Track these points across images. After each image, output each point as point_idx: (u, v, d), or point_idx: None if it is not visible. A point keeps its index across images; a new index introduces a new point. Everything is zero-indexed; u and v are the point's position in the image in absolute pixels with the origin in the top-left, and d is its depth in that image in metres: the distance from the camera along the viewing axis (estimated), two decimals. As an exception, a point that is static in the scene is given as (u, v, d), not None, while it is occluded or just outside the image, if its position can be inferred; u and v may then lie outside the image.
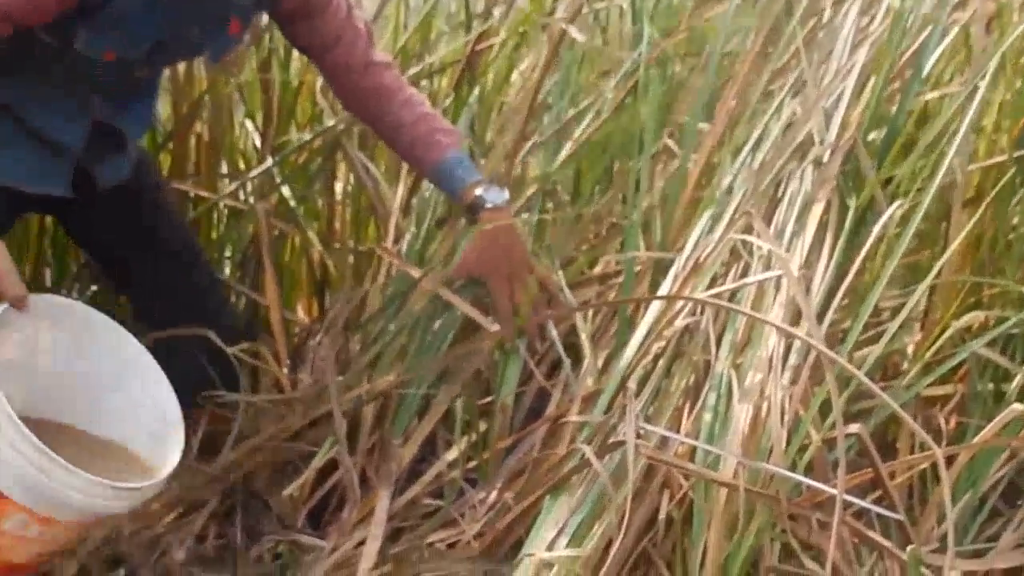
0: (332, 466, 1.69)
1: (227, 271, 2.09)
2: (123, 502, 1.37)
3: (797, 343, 1.45)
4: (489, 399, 1.71)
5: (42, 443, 1.30)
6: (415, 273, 1.80)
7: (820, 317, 1.46)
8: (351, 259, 2.09)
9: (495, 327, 1.70)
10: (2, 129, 1.54)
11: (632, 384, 1.51)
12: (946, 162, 1.50)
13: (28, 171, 1.57)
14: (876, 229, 1.51)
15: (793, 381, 1.42)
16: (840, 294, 1.49)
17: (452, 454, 1.68)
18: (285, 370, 1.83)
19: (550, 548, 1.37)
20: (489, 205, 1.68)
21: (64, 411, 1.48)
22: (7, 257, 1.38)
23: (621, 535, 1.32)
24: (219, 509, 1.71)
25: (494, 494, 1.60)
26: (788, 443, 1.36)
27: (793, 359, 1.45)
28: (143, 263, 1.78)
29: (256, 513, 1.71)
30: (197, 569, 1.62)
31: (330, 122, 2.07)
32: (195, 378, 1.74)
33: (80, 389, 1.48)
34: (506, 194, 1.72)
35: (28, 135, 1.55)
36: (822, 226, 1.58)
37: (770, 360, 1.43)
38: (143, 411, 1.48)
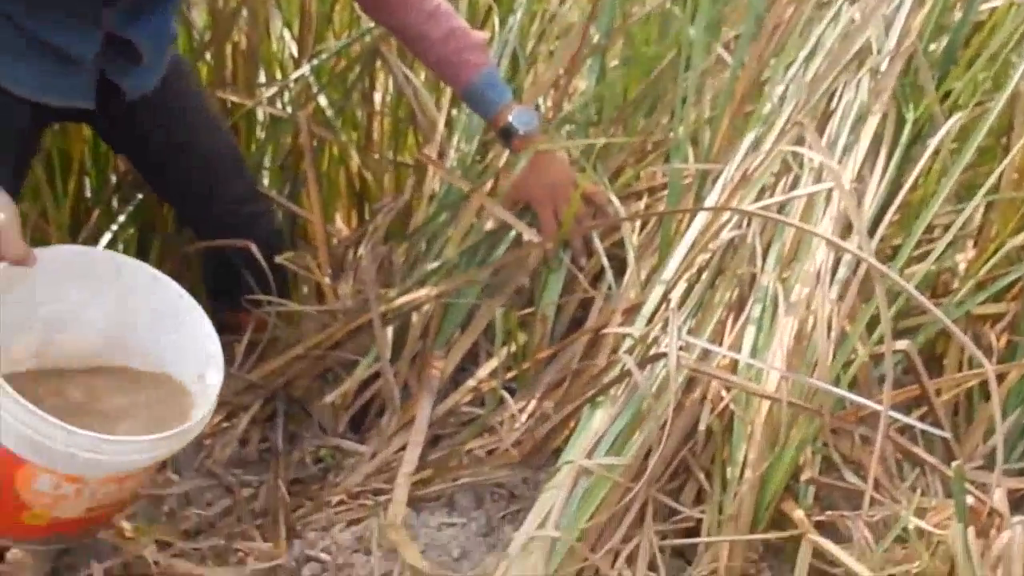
0: (374, 373, 1.70)
1: (266, 181, 2.08)
2: (144, 454, 1.28)
3: (846, 257, 1.42)
4: (531, 310, 1.71)
5: (66, 400, 1.27)
6: (462, 183, 1.78)
7: (871, 232, 1.42)
8: (390, 170, 2.07)
9: (539, 238, 1.69)
10: (17, 43, 1.50)
11: (675, 296, 1.49)
12: (1016, 75, 1.44)
13: (50, 84, 1.54)
14: (933, 143, 1.47)
15: (841, 296, 1.40)
16: (893, 209, 1.45)
17: (492, 363, 1.67)
18: (327, 279, 1.83)
19: (589, 456, 1.37)
20: (521, 132, 1.67)
21: (116, 354, 1.43)
22: (11, 214, 1.26)
23: (661, 445, 1.32)
24: (261, 415, 1.73)
25: (533, 403, 1.60)
26: (833, 357, 1.34)
27: (842, 273, 1.42)
28: (178, 171, 1.77)
29: (297, 419, 1.73)
30: (240, 471, 1.64)
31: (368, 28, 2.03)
32: (239, 283, 1.75)
33: (127, 333, 1.43)
34: (538, 118, 1.70)
35: (44, 48, 1.51)
36: (877, 138, 1.54)
37: (818, 274, 1.41)
38: (188, 349, 1.41)
